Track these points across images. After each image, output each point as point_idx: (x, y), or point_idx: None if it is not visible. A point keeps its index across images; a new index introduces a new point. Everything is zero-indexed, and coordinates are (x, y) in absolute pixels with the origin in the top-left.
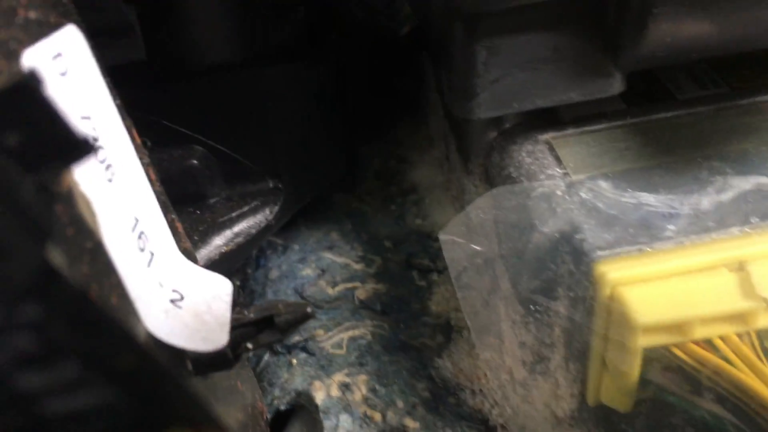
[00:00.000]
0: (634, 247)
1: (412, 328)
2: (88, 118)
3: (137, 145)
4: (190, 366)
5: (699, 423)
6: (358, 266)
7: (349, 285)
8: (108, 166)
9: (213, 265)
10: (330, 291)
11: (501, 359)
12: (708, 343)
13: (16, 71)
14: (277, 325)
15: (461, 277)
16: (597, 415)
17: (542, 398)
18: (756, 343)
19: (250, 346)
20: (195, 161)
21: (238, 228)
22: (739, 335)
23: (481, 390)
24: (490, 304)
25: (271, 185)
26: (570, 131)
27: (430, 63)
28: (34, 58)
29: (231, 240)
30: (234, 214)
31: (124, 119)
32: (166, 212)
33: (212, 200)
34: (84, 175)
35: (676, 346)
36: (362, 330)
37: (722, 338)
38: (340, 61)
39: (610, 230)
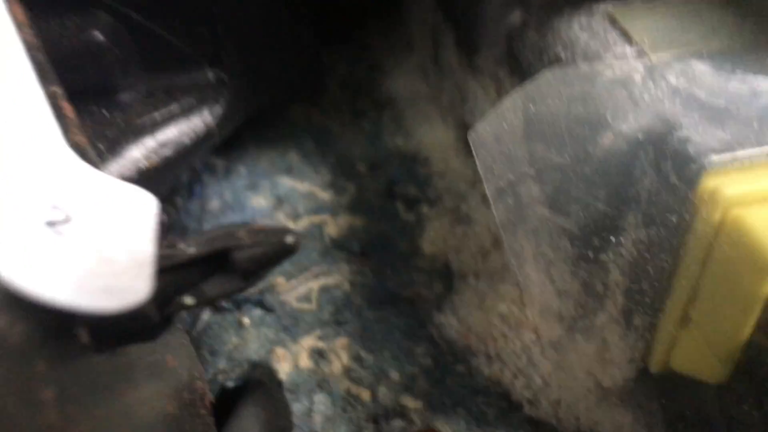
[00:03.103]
0: (761, 149)
1: (402, 275)
2: None
3: None
4: (85, 337)
5: None
6: (325, 195)
7: (316, 219)
8: None
9: None
10: (292, 226)
11: (524, 313)
12: None
13: None
14: (235, 264)
15: (503, 197)
16: (662, 386)
17: (583, 364)
18: None
19: (190, 301)
20: (99, 34)
21: (163, 135)
22: None
23: (498, 354)
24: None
25: (211, 77)
26: (635, 1)
27: None
28: None
29: (154, 151)
30: (158, 116)
31: None
32: (44, 82)
33: (125, 95)
34: None
35: None
36: (337, 277)
37: None
38: None
39: (723, 127)
